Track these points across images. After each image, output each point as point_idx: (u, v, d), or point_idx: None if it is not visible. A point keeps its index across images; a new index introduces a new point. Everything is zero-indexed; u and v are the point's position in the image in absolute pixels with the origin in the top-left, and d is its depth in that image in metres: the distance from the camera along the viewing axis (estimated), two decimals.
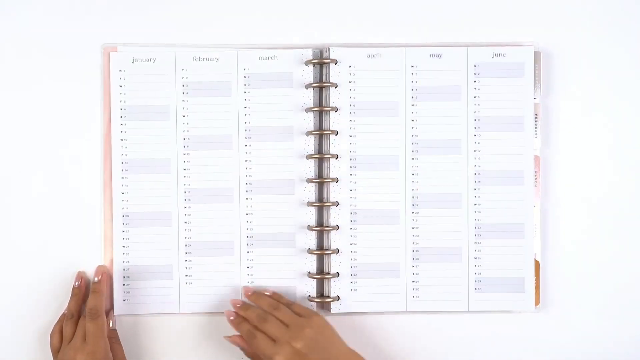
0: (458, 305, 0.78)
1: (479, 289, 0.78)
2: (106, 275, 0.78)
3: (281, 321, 0.73)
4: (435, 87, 0.78)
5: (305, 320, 0.72)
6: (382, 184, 0.78)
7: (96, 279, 0.77)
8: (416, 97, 0.78)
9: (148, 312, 0.78)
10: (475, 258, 0.78)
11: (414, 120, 0.78)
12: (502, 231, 0.78)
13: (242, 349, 0.75)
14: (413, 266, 0.78)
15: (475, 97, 0.77)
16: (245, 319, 0.75)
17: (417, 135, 0.78)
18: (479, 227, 0.78)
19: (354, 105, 0.77)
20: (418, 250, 0.78)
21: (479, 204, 0.78)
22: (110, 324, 0.77)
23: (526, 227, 0.77)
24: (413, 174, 0.78)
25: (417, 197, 0.78)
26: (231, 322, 0.76)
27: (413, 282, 0.78)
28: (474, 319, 0.79)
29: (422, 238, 0.78)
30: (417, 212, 0.78)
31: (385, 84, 0.78)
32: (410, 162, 0.78)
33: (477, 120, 0.77)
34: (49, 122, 0.78)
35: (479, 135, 0.77)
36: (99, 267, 0.78)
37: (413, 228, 0.78)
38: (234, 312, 0.76)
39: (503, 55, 0.77)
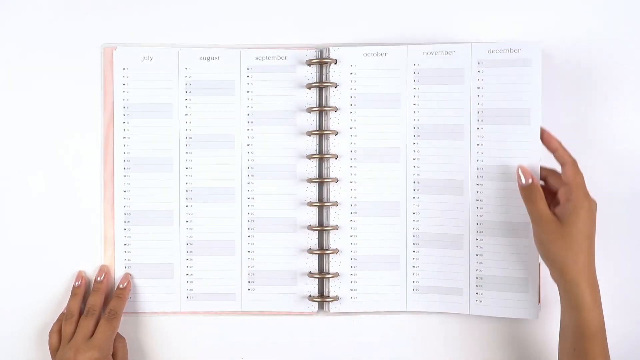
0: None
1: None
2: (129, 281, 0.78)
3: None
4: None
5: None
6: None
7: (121, 285, 0.77)
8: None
9: (148, 311, 0.78)
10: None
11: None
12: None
13: None
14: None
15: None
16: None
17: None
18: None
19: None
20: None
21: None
22: None
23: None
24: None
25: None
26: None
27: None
28: (473, 317, 0.78)
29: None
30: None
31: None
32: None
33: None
34: (48, 121, 0.79)
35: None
36: (126, 274, 0.78)
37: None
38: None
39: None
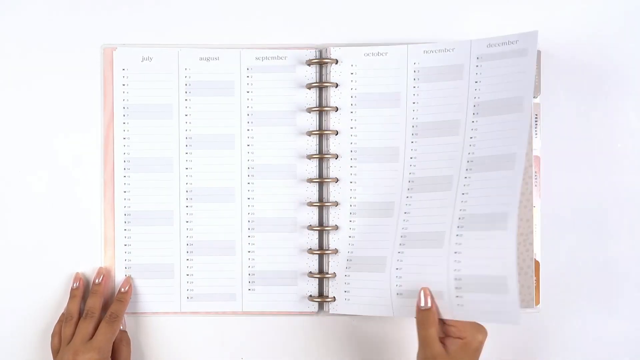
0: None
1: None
2: (130, 285, 0.78)
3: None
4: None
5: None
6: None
7: (123, 289, 0.77)
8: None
9: (149, 311, 0.78)
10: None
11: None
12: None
13: None
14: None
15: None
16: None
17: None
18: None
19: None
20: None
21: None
22: (121, 326, 0.77)
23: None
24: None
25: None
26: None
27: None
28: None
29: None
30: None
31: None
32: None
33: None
34: (48, 121, 0.79)
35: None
36: (127, 278, 0.78)
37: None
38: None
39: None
